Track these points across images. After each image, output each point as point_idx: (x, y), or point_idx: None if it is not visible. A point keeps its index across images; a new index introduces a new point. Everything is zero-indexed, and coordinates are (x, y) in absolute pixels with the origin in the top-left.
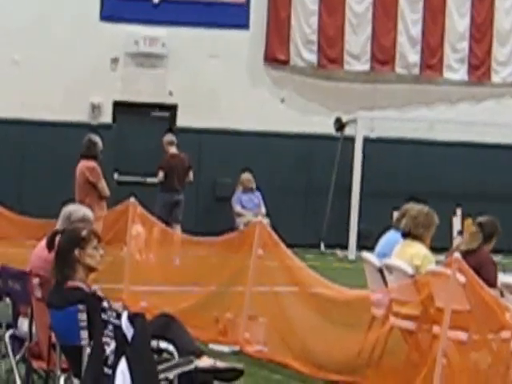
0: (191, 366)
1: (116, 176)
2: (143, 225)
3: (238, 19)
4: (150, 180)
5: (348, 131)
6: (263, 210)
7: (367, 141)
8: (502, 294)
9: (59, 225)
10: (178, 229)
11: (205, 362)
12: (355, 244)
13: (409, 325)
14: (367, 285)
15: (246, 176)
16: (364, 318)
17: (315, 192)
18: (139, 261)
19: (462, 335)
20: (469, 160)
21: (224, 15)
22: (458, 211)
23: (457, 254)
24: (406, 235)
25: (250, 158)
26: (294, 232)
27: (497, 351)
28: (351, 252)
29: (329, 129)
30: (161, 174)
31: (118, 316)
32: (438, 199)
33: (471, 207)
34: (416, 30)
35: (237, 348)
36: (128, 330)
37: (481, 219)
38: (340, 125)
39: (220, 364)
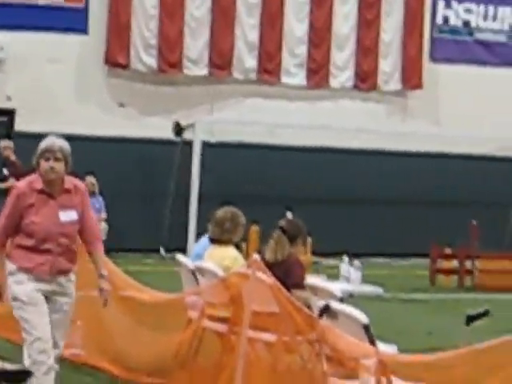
0: None
1: None
2: None
3: (77, 24)
4: None
5: (188, 136)
6: (103, 215)
7: (207, 145)
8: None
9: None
10: None
11: None
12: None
13: (220, 327)
14: None
15: (89, 179)
16: (178, 320)
17: (155, 197)
18: None
19: (266, 336)
20: (307, 164)
21: (63, 20)
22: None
23: (255, 256)
24: (214, 241)
25: (90, 163)
26: (134, 237)
27: (303, 352)
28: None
29: (168, 133)
30: (12, 181)
31: None
32: (272, 202)
33: (304, 211)
34: (253, 35)
35: None
36: None
37: (282, 223)
38: (179, 129)
39: (8, 366)
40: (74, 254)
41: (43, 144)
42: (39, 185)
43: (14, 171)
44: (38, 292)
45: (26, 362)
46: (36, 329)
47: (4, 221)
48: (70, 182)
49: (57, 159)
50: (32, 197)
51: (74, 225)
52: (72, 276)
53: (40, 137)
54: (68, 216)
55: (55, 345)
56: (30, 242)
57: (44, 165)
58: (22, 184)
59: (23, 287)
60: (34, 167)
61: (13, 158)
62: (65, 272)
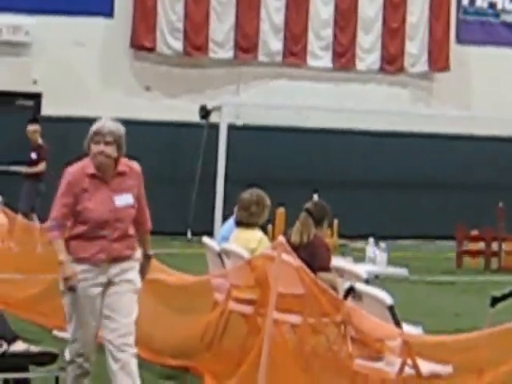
0: (0, 350)
1: None
2: (6, 214)
3: (103, 7)
4: (14, 168)
5: (214, 119)
6: None
7: (233, 128)
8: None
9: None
10: (36, 218)
11: (18, 346)
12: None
13: (246, 309)
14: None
15: None
16: (204, 302)
17: (181, 180)
18: None
19: (292, 318)
20: (333, 146)
21: (88, 3)
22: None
23: (281, 238)
24: (240, 224)
25: None
26: (161, 220)
27: (329, 334)
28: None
29: (194, 116)
30: (43, 165)
31: None
32: (299, 185)
33: (330, 193)
34: (279, 18)
35: None
36: None
37: (308, 205)
38: (205, 112)
39: (34, 348)
40: (132, 240)
41: (93, 127)
42: (91, 169)
43: (42, 155)
44: (92, 288)
45: (67, 357)
46: (77, 330)
47: (61, 210)
48: (125, 164)
49: (107, 143)
50: (84, 181)
51: (130, 209)
52: (134, 263)
53: (66, 120)
54: (123, 200)
55: (117, 332)
56: (83, 229)
57: (94, 148)
58: (72, 169)
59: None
60: (85, 151)
61: (40, 141)
62: (123, 259)
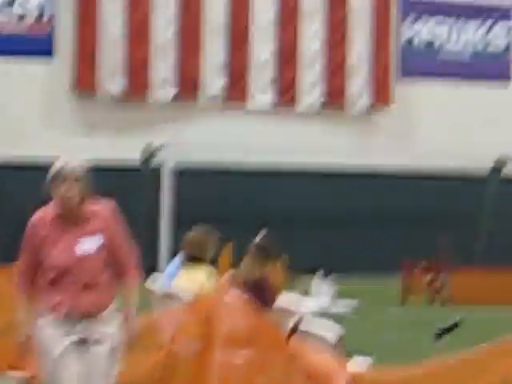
0: None
1: None
2: None
3: (43, 46)
4: None
5: (158, 159)
6: None
7: (177, 169)
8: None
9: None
10: None
11: None
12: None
13: (192, 348)
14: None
15: None
16: (149, 342)
17: (125, 220)
18: None
19: (240, 355)
20: (280, 185)
21: (28, 43)
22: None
23: (228, 275)
24: (188, 259)
25: None
26: None
27: (277, 370)
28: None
29: (138, 156)
30: None
31: None
32: (246, 222)
33: (278, 230)
34: (220, 57)
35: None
36: None
37: (256, 241)
38: (149, 153)
39: None
40: (104, 290)
41: (54, 167)
42: (52, 214)
43: None
44: (60, 344)
45: None
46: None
47: (22, 263)
48: (93, 205)
49: (70, 183)
50: (45, 228)
51: (96, 256)
52: (109, 317)
53: (5, 162)
54: (87, 246)
55: None
56: (48, 279)
57: (56, 191)
58: (34, 218)
59: (46, 332)
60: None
61: None
62: (91, 315)
